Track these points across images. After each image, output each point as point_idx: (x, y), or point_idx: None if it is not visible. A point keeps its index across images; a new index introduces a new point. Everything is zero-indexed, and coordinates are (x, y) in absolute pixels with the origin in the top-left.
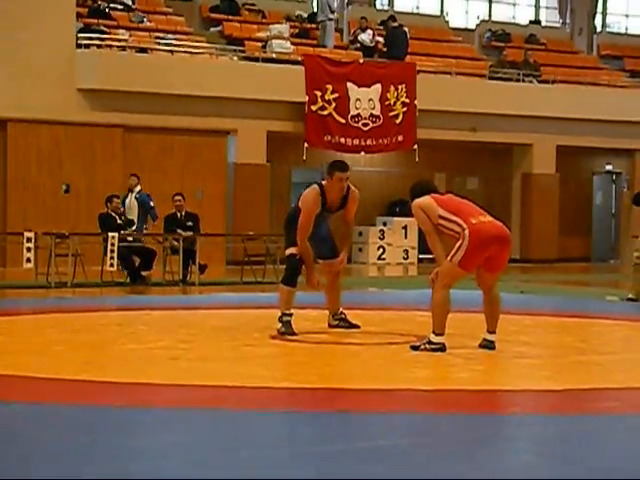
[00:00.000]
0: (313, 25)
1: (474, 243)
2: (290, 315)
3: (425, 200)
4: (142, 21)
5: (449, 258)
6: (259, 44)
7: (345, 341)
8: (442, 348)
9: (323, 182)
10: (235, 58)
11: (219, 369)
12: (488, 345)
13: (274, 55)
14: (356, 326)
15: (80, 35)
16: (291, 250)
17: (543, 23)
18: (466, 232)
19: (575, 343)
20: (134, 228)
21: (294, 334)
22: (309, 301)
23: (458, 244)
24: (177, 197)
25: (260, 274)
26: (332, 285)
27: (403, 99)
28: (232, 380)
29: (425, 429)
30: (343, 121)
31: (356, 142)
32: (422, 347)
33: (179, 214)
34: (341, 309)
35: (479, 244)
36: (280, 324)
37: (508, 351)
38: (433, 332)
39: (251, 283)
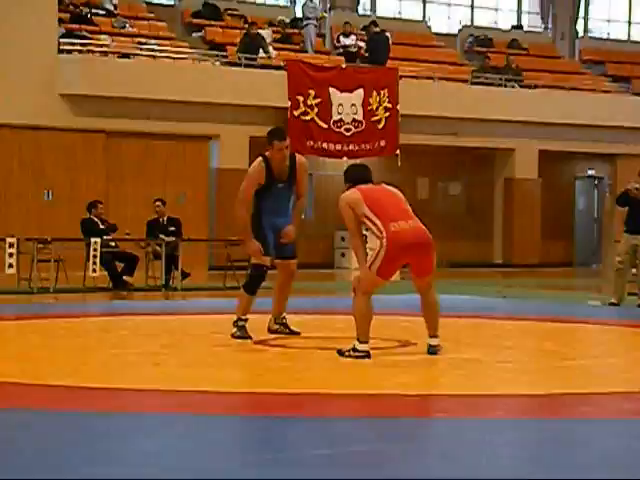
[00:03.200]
0: (295, 30)
1: (390, 252)
2: (245, 320)
3: (353, 195)
4: (124, 27)
5: (368, 265)
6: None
7: (326, 346)
8: (367, 355)
9: (267, 153)
10: (217, 63)
11: (202, 374)
12: (431, 350)
13: (256, 60)
14: (296, 333)
15: (62, 40)
16: (257, 260)
17: (525, 28)
18: (384, 241)
19: (557, 348)
20: None
21: (249, 338)
22: (297, 306)
23: (376, 251)
24: (157, 203)
25: (243, 279)
26: (283, 286)
27: (385, 104)
28: (214, 385)
29: (406, 434)
30: (325, 126)
31: (338, 147)
32: (347, 354)
33: (161, 219)
34: (284, 314)
35: (395, 253)
36: (235, 328)
37: (491, 356)
38: (357, 339)
39: (234, 288)
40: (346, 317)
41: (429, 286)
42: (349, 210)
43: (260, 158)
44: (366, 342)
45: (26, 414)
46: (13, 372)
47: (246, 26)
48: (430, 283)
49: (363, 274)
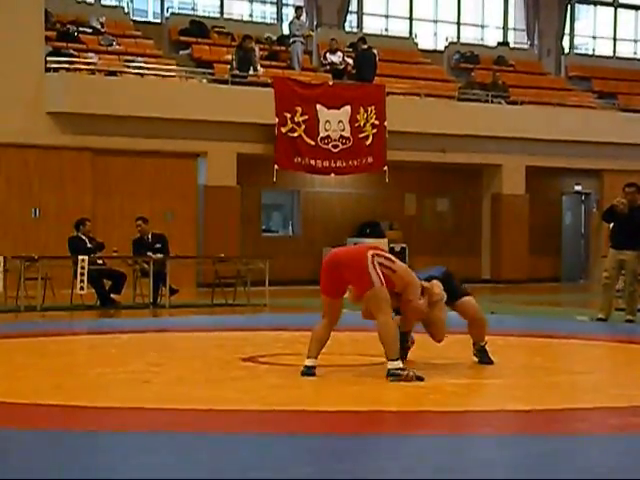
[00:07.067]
0: (282, 48)
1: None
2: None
3: None
4: (111, 44)
5: None
6: (228, 66)
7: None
8: (308, 372)
9: None
10: (204, 81)
11: (190, 392)
12: (388, 373)
13: (245, 78)
14: (489, 362)
15: (49, 59)
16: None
17: (511, 45)
18: None
19: (545, 363)
20: None
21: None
22: (284, 322)
23: None
24: (138, 222)
25: (231, 296)
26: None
27: (373, 121)
28: (204, 403)
29: (397, 451)
30: (313, 143)
31: (326, 164)
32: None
33: (145, 237)
34: (484, 342)
35: (322, 268)
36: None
37: (479, 372)
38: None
39: (222, 305)
40: (332, 334)
41: (373, 309)
42: None
43: None
44: (312, 357)
45: (11, 433)
46: None
47: (234, 43)
48: (371, 306)
49: None
